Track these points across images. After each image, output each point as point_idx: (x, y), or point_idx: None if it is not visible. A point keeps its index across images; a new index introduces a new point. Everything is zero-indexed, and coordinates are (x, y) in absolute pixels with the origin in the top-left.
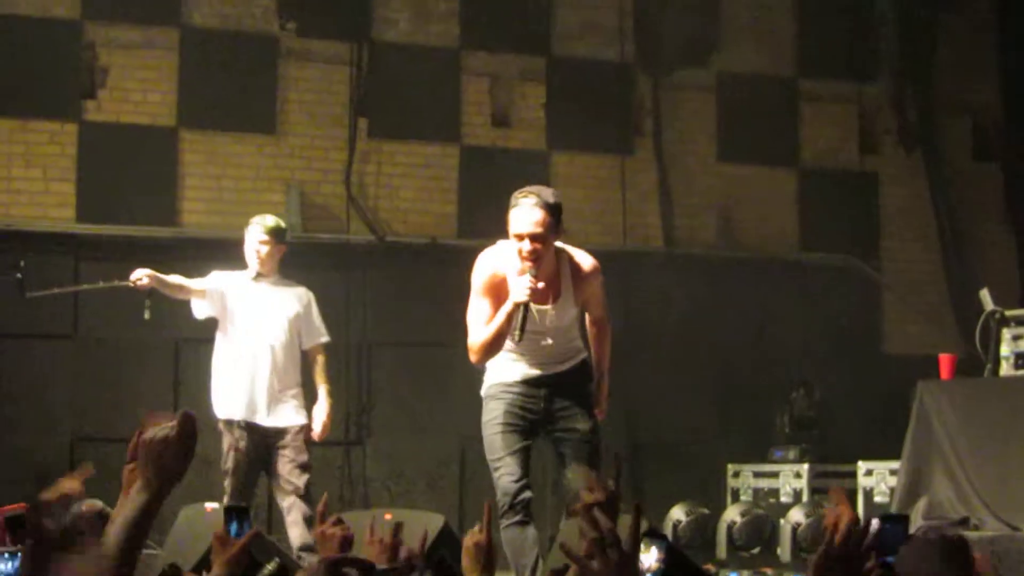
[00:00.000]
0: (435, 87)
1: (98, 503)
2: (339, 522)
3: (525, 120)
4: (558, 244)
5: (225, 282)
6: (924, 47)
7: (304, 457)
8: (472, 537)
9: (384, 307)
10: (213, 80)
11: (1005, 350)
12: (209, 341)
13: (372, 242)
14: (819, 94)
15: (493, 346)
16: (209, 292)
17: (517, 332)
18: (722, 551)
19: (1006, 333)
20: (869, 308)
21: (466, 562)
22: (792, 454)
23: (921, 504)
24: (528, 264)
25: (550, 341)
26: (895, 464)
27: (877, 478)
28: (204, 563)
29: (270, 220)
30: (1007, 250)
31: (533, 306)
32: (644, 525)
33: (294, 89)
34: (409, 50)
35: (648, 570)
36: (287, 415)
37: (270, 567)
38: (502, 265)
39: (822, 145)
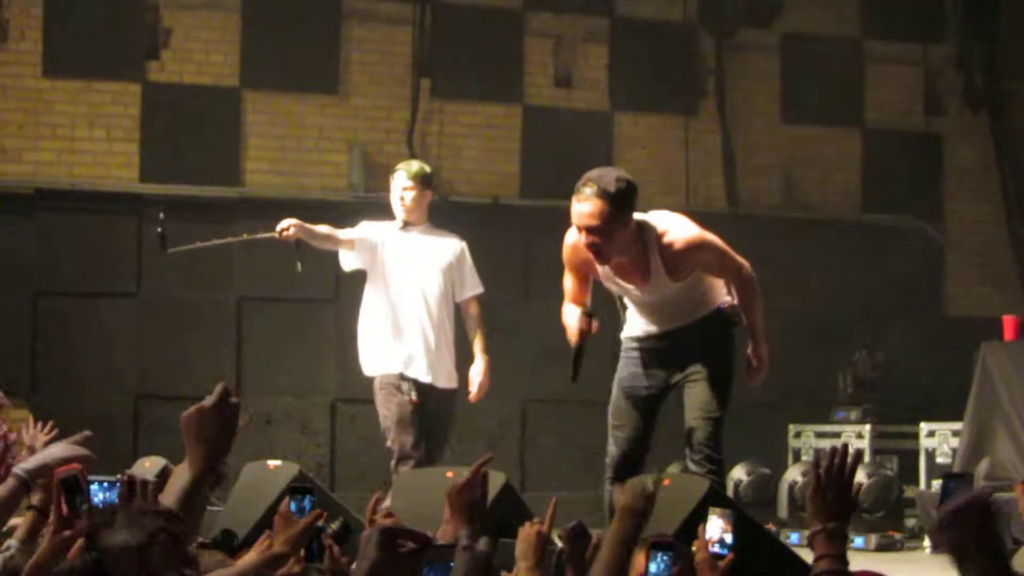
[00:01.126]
0: (498, 47)
1: (161, 460)
2: (389, 516)
3: (588, 80)
4: (647, 218)
5: (375, 232)
6: (990, 7)
7: (449, 430)
8: (532, 526)
9: None
10: (276, 40)
11: None
12: (270, 300)
13: (434, 202)
14: (884, 55)
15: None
16: (359, 243)
17: (571, 370)
18: (783, 511)
19: None
20: (932, 270)
21: (519, 549)
22: (854, 415)
23: (983, 465)
24: (592, 255)
25: (662, 310)
26: (957, 425)
27: (939, 439)
28: (265, 521)
29: (415, 165)
30: None
31: (622, 284)
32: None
33: (357, 49)
34: (472, 10)
35: (713, 541)
36: (443, 374)
37: (334, 526)
38: (576, 248)
39: (887, 106)
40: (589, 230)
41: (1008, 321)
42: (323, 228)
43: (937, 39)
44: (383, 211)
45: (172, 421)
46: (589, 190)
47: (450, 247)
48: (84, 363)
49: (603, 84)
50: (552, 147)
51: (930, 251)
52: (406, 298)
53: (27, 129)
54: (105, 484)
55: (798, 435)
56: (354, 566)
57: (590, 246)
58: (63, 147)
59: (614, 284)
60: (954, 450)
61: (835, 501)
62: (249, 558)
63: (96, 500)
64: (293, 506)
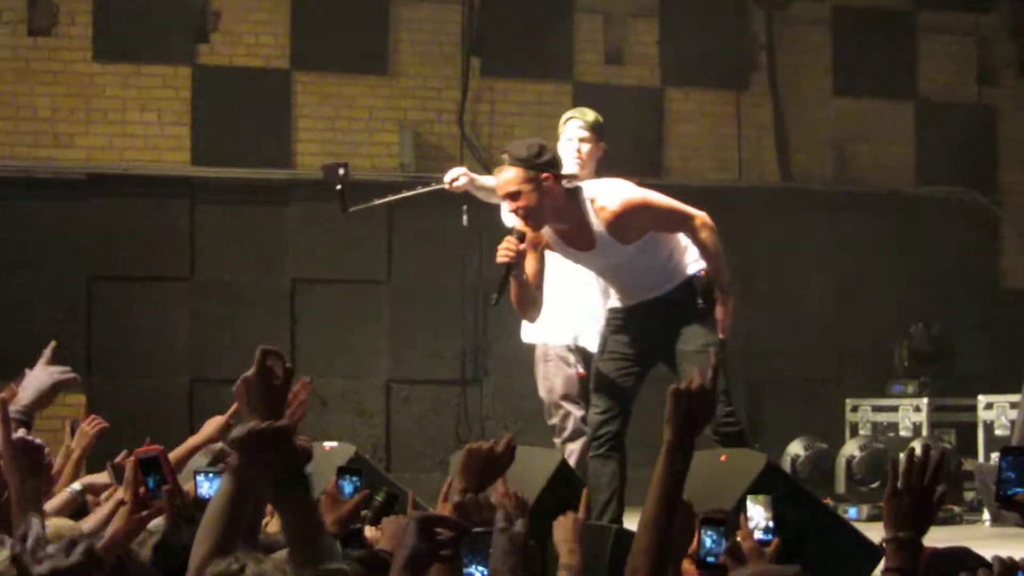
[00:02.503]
0: (548, 25)
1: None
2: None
3: (639, 56)
4: (582, 184)
5: None
6: None
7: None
8: (568, 518)
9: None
10: (326, 21)
11: None
12: (323, 282)
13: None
14: (936, 26)
15: (518, 304)
16: None
17: (493, 295)
18: (841, 485)
19: None
20: (988, 242)
21: (558, 536)
22: (911, 388)
23: None
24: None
25: (630, 277)
26: (1016, 397)
27: (997, 411)
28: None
29: (590, 114)
30: None
31: (575, 253)
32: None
33: (406, 29)
34: None
35: (758, 528)
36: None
37: (379, 497)
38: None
39: (939, 78)
40: (511, 196)
41: None
42: (491, 179)
43: (989, 9)
44: (436, 192)
45: (227, 404)
46: (504, 159)
47: None
48: (139, 347)
49: (654, 60)
50: (604, 124)
51: (985, 223)
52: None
53: (78, 114)
54: (211, 475)
55: (855, 409)
56: (394, 553)
57: (516, 211)
58: (115, 131)
59: (566, 254)
60: (1012, 423)
61: (912, 509)
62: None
63: (201, 492)
64: (346, 489)
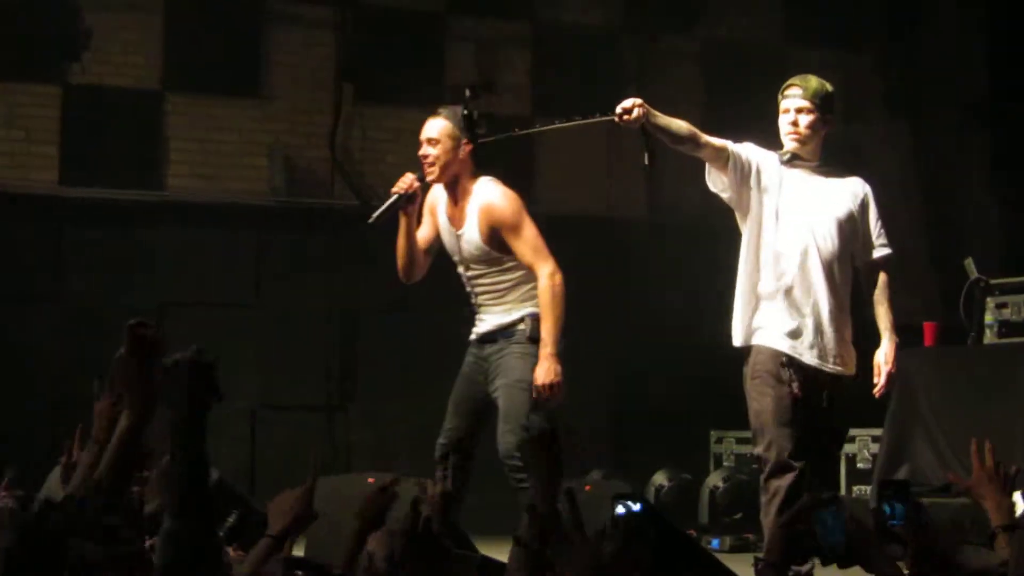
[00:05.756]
0: (421, 52)
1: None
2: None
3: (511, 85)
4: (483, 180)
5: (759, 156)
6: (910, 11)
7: (842, 425)
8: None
9: (369, 272)
10: (198, 43)
11: (989, 318)
12: (191, 305)
13: (357, 207)
14: (806, 61)
15: (399, 252)
16: (733, 155)
17: (375, 214)
18: (704, 516)
19: (990, 302)
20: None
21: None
22: None
23: (903, 471)
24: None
25: (472, 273)
26: (877, 431)
27: (859, 445)
28: None
29: (813, 80)
30: (991, 219)
31: (451, 232)
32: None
33: (279, 52)
34: (395, 14)
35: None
36: (843, 353)
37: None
38: (433, 197)
39: None
40: (429, 140)
41: (928, 327)
42: (683, 123)
43: (859, 47)
44: (305, 215)
45: (90, 427)
46: (441, 111)
47: (851, 191)
48: (3, 368)
49: (526, 89)
50: (478, 152)
51: None
52: (792, 253)
53: None
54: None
55: (719, 440)
56: None
57: (426, 156)
58: None
59: (445, 231)
60: (874, 456)
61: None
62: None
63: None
64: None
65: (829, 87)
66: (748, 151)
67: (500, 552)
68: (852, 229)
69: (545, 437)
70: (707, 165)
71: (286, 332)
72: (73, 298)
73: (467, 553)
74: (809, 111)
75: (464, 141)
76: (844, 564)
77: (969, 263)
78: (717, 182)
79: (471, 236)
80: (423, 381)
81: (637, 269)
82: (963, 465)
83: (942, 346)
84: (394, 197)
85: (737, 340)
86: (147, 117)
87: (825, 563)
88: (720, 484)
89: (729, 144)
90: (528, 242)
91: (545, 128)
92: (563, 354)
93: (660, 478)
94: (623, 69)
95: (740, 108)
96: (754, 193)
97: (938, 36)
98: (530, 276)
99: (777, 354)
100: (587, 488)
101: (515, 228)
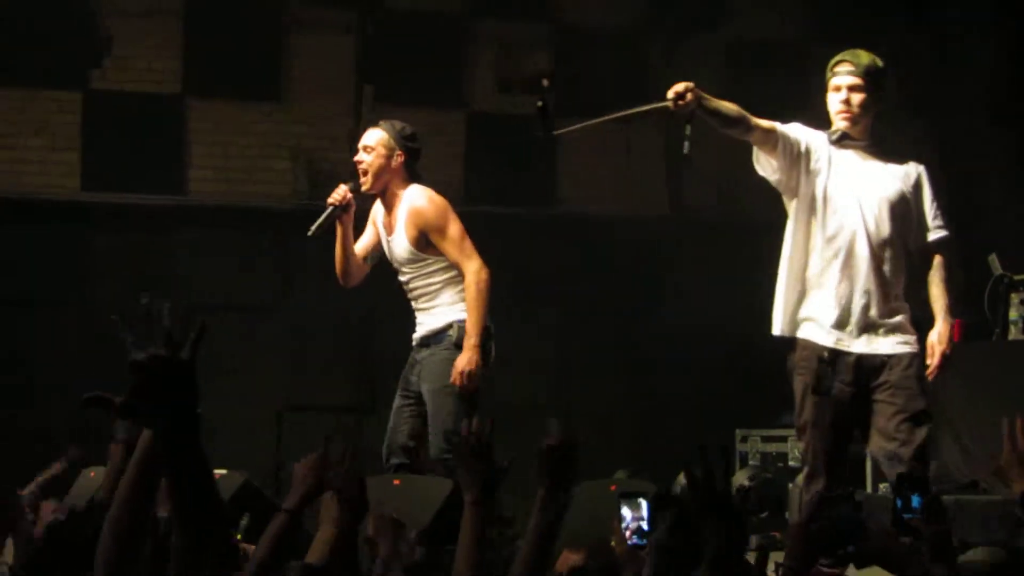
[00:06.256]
0: (441, 54)
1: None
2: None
3: (531, 86)
4: (412, 187)
5: (809, 135)
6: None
7: (919, 403)
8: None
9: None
10: (219, 48)
11: (1013, 314)
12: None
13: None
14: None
15: (337, 258)
16: (782, 138)
17: (314, 225)
18: None
19: (1014, 297)
20: None
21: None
22: None
23: (929, 469)
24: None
25: (404, 277)
26: None
27: None
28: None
29: (864, 56)
30: (1015, 216)
31: (385, 238)
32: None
33: (300, 56)
34: (415, 17)
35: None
36: (898, 335)
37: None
38: (376, 208)
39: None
40: (365, 148)
41: (953, 324)
42: (733, 105)
43: (881, 43)
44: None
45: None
46: (380, 123)
47: (904, 172)
48: (29, 373)
49: (548, 92)
50: (496, 152)
51: None
52: (841, 237)
53: None
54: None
55: (744, 439)
56: None
57: (360, 163)
58: (6, 156)
59: (383, 237)
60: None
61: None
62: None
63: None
64: None
65: (880, 62)
66: (797, 131)
67: None
68: (905, 211)
69: (560, 446)
70: (754, 149)
71: (311, 334)
72: (96, 302)
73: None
74: (861, 88)
75: (398, 152)
76: (860, 564)
77: (993, 259)
78: (766, 166)
79: (399, 240)
80: None
81: (660, 268)
82: (989, 461)
83: (967, 343)
84: (330, 208)
85: (777, 328)
86: (169, 122)
87: (841, 563)
88: (746, 483)
89: (778, 125)
90: (454, 242)
91: (607, 118)
92: (488, 347)
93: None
94: (646, 70)
95: (764, 107)
96: (803, 175)
97: (961, 34)
98: (459, 278)
99: (820, 350)
100: (612, 488)
101: (440, 229)
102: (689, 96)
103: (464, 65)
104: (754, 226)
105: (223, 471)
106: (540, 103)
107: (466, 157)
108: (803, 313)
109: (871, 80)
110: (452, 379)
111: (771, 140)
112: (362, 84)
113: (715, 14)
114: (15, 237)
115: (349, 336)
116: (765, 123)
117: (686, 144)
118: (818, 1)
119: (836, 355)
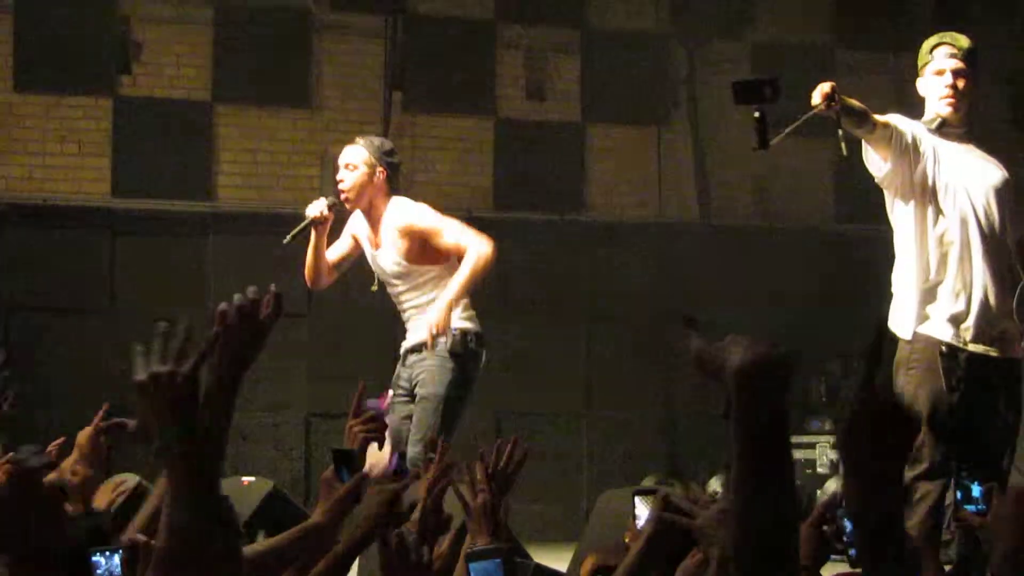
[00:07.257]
0: (470, 60)
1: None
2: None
3: (560, 92)
4: (395, 199)
5: (912, 126)
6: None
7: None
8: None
9: None
10: (247, 54)
11: None
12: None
13: None
14: (856, 63)
15: (308, 261)
16: (896, 130)
17: (289, 236)
18: None
19: None
20: None
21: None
22: (828, 424)
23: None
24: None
25: (395, 290)
26: None
27: None
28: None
29: (963, 39)
30: None
31: (370, 251)
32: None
33: (329, 63)
34: (444, 23)
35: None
36: (1006, 335)
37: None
38: (358, 221)
39: None
40: (346, 166)
41: None
42: (859, 103)
43: (908, 48)
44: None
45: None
46: (359, 141)
47: (996, 160)
48: (56, 379)
49: (575, 95)
50: (525, 159)
51: None
52: (953, 229)
53: None
54: (107, 552)
55: None
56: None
57: (342, 181)
58: (35, 162)
59: (368, 252)
60: None
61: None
62: (286, 533)
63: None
64: (343, 475)
65: (976, 46)
66: (903, 123)
67: (554, 559)
68: (1008, 198)
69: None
70: (864, 146)
71: (339, 340)
72: (125, 308)
73: (523, 561)
74: (963, 73)
75: (380, 168)
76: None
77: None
78: (877, 162)
79: (388, 252)
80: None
81: (689, 272)
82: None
83: None
84: (307, 221)
85: (907, 333)
86: (197, 128)
87: (854, 564)
88: None
89: (890, 118)
90: (451, 230)
91: (791, 128)
92: (479, 353)
93: (715, 483)
94: (672, 74)
95: (790, 111)
96: (912, 167)
97: (985, 38)
98: None
99: (937, 343)
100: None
101: (433, 229)
102: (836, 97)
103: (493, 71)
104: (784, 233)
105: (251, 478)
106: (757, 115)
107: (495, 164)
108: (926, 311)
109: (972, 64)
110: (425, 340)
111: (887, 135)
112: (390, 90)
113: (740, 19)
114: (45, 243)
115: (378, 341)
116: (881, 118)
117: (843, 145)
118: (844, 6)
119: (952, 350)
